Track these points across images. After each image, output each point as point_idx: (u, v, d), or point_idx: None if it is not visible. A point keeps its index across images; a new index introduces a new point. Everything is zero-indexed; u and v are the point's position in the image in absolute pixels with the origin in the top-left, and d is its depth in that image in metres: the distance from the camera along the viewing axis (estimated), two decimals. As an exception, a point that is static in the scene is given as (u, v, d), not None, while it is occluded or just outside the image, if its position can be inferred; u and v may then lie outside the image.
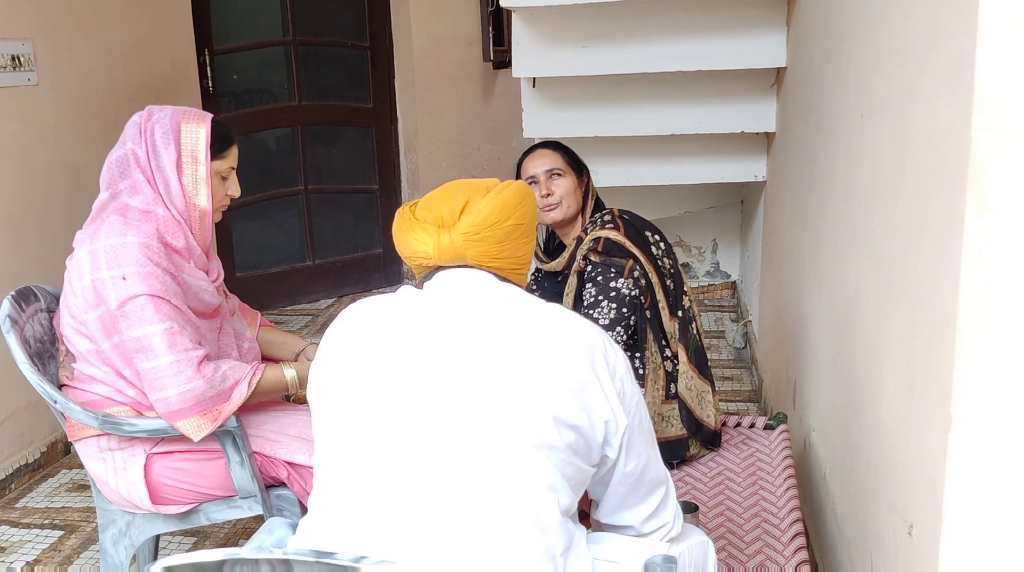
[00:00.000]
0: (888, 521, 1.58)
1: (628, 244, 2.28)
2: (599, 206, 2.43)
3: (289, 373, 2.09)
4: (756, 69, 3.49)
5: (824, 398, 2.32)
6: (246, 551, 1.04)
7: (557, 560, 1.28)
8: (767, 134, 3.74)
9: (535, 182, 2.37)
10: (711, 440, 2.38)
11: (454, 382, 1.32)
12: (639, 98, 3.64)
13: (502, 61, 5.46)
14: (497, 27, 5.59)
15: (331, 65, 5.21)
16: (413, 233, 1.45)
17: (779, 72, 3.50)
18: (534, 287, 2.52)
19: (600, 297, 2.23)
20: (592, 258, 2.28)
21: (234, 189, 2.16)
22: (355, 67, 5.28)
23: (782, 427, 2.53)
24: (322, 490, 1.34)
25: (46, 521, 2.94)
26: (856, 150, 1.97)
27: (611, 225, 2.31)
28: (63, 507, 3.03)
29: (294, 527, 1.42)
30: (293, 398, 2.25)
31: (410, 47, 5.28)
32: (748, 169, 3.85)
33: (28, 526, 2.92)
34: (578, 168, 2.41)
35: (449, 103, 5.49)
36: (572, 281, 2.35)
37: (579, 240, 2.36)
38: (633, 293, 2.23)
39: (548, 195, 2.36)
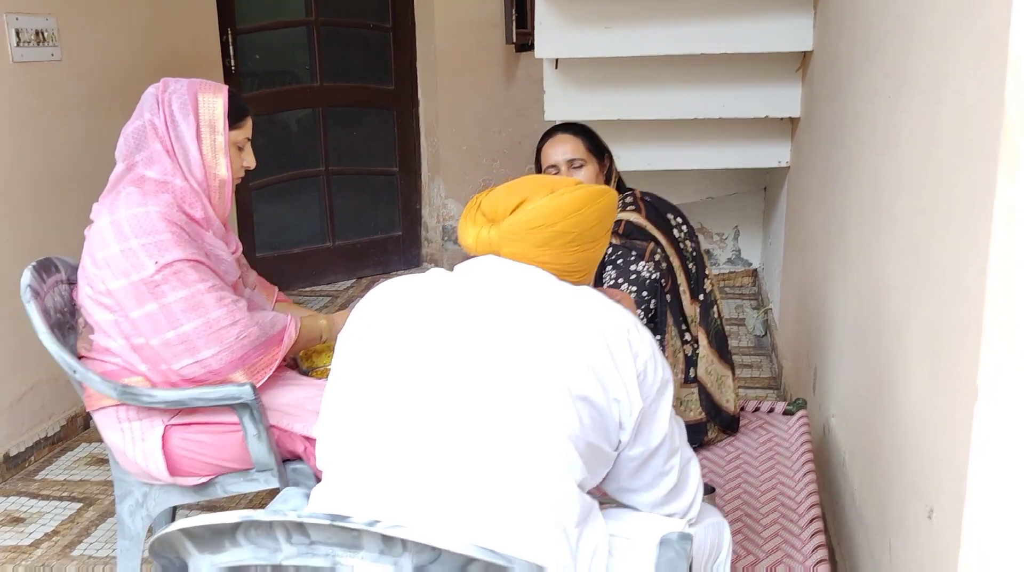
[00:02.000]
0: (909, 505, 1.56)
1: (649, 226, 2.25)
2: (621, 188, 2.40)
3: (322, 321, 2.19)
4: (781, 53, 3.45)
5: (845, 383, 2.30)
6: (260, 514, 1.04)
7: (570, 532, 1.27)
8: (791, 119, 3.70)
9: (555, 171, 2.31)
10: (730, 424, 2.37)
11: (471, 355, 1.31)
12: (662, 81, 3.61)
13: (524, 44, 5.43)
14: (520, 9, 5.55)
15: (353, 46, 5.20)
16: (465, 224, 1.45)
17: (805, 56, 3.46)
18: None
19: (620, 280, 2.21)
20: (613, 241, 2.25)
21: (249, 160, 2.17)
22: (377, 49, 5.27)
23: (801, 413, 2.51)
24: (338, 459, 1.34)
25: (65, 493, 2.97)
26: (883, 133, 1.95)
27: (632, 207, 2.29)
28: (81, 480, 3.05)
29: (309, 497, 1.42)
30: (312, 372, 2.25)
31: (432, 29, 5.27)
32: (772, 155, 3.82)
33: (47, 498, 2.94)
34: (599, 152, 2.36)
35: (471, 86, 5.47)
36: None
37: None
38: (654, 276, 2.21)
39: None
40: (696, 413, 2.30)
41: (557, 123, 2.48)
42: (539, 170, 2.36)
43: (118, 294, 1.95)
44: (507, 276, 1.39)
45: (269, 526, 1.04)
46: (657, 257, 2.22)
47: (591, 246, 1.43)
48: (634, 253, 2.22)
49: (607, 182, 2.36)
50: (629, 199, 2.33)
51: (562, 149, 2.31)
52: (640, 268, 2.21)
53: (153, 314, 1.95)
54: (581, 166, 2.30)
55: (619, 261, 2.23)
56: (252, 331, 1.99)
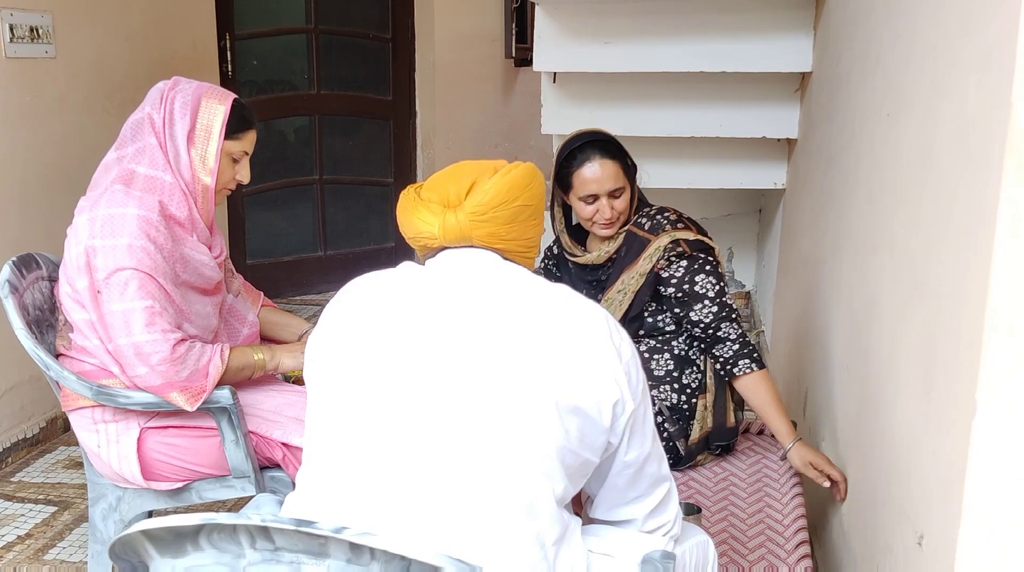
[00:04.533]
0: (897, 531, 1.52)
1: (707, 239, 2.22)
2: (642, 200, 2.30)
3: (257, 356, 2.06)
4: (780, 73, 3.43)
5: (836, 407, 2.26)
6: (224, 517, 1.00)
7: (547, 548, 1.23)
8: (788, 141, 3.68)
9: (593, 201, 2.16)
10: (731, 435, 2.34)
11: (452, 361, 1.28)
12: (659, 98, 3.59)
13: (524, 59, 5.43)
14: (520, 24, 5.56)
15: (352, 56, 5.18)
16: (418, 213, 1.41)
17: (804, 77, 3.45)
18: (557, 274, 2.42)
19: (719, 283, 2.18)
20: (673, 259, 2.17)
21: (244, 174, 2.10)
22: (376, 59, 5.26)
23: (791, 435, 2.47)
24: (311, 466, 1.30)
25: (40, 496, 2.91)
26: (880, 150, 1.92)
27: (681, 225, 2.22)
28: (58, 483, 3.00)
29: (282, 504, 1.38)
30: (293, 379, 2.21)
31: (432, 41, 5.26)
32: (768, 176, 3.79)
33: (23, 500, 2.89)
34: (633, 171, 2.23)
35: (468, 99, 5.46)
36: (630, 280, 2.21)
37: (635, 238, 2.21)
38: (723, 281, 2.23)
39: (608, 217, 2.16)
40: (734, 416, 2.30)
41: (582, 131, 2.25)
42: (565, 192, 2.21)
43: (82, 294, 1.92)
44: (482, 273, 1.36)
45: (232, 530, 1.00)
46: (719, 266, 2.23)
47: (541, 219, 1.46)
48: (712, 260, 2.20)
49: (632, 199, 2.24)
50: (673, 217, 2.22)
51: (605, 177, 2.14)
52: (720, 270, 2.22)
53: (99, 320, 1.91)
54: (621, 194, 2.18)
55: (708, 268, 2.18)
56: (165, 370, 1.88)
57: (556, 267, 2.44)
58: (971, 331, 1.08)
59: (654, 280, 2.21)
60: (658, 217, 2.23)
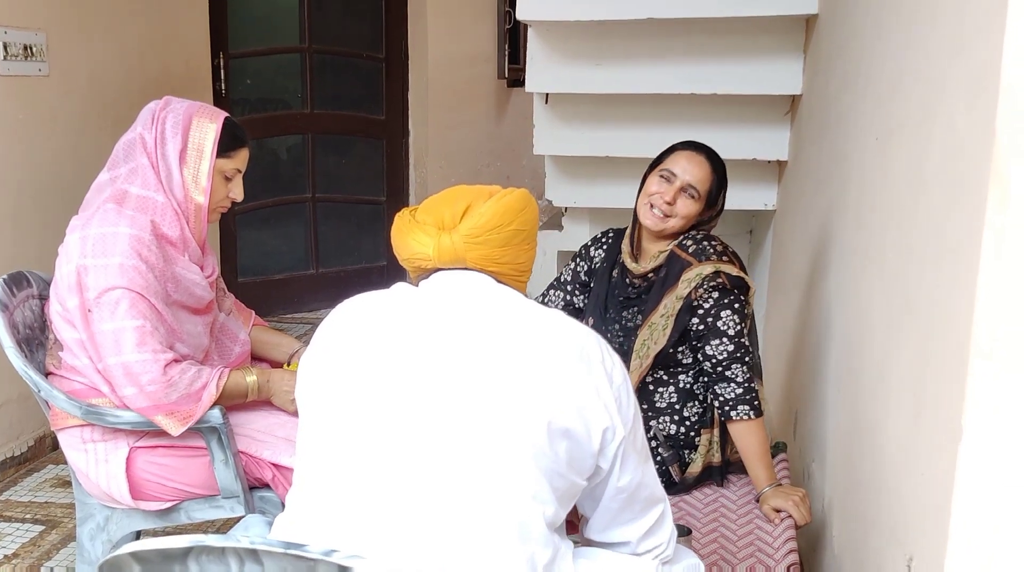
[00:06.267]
0: (888, 553, 1.52)
1: (747, 278, 2.19)
2: (709, 239, 2.26)
3: (250, 378, 2.04)
4: (771, 96, 3.46)
5: (826, 428, 2.26)
6: (213, 539, 0.99)
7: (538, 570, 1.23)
8: (779, 163, 3.70)
9: (668, 178, 2.18)
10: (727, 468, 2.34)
11: (444, 383, 1.28)
12: (651, 119, 3.61)
13: (516, 80, 5.46)
14: (513, 45, 5.59)
15: (345, 75, 5.20)
16: (413, 234, 1.42)
17: (794, 100, 3.47)
18: (584, 278, 2.39)
19: (741, 323, 2.16)
20: (713, 294, 2.14)
21: (237, 192, 2.10)
22: (369, 78, 5.28)
23: (781, 456, 2.47)
24: (301, 488, 1.30)
25: (28, 515, 2.89)
26: (870, 172, 1.93)
27: (726, 258, 2.19)
28: (46, 502, 2.98)
29: (272, 525, 1.37)
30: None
31: (425, 61, 5.28)
32: (758, 197, 3.80)
33: (9, 519, 2.86)
34: (714, 202, 2.24)
35: (461, 119, 5.48)
36: (672, 304, 2.18)
37: (677, 259, 2.19)
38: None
39: (669, 203, 2.17)
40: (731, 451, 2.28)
41: (693, 142, 2.31)
42: (651, 170, 2.25)
43: (73, 313, 1.91)
44: (476, 296, 1.37)
45: (221, 552, 1.00)
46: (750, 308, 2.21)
47: (534, 244, 1.47)
48: (743, 299, 2.17)
49: (695, 227, 2.23)
50: (720, 247, 2.20)
51: (693, 169, 2.18)
52: (747, 312, 2.20)
53: (89, 339, 1.90)
54: (694, 198, 2.18)
55: (736, 305, 2.15)
56: (155, 390, 1.87)
57: (588, 275, 2.40)
58: (958, 354, 1.08)
59: (688, 307, 2.17)
60: (704, 243, 2.20)
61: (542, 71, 3.55)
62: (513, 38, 5.59)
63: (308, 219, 5.10)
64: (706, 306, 2.16)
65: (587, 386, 1.28)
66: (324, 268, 5.16)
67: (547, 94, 3.66)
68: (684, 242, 2.22)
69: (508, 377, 1.27)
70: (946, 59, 1.36)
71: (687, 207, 2.19)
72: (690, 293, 2.16)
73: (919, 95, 1.55)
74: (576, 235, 3.83)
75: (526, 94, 3.72)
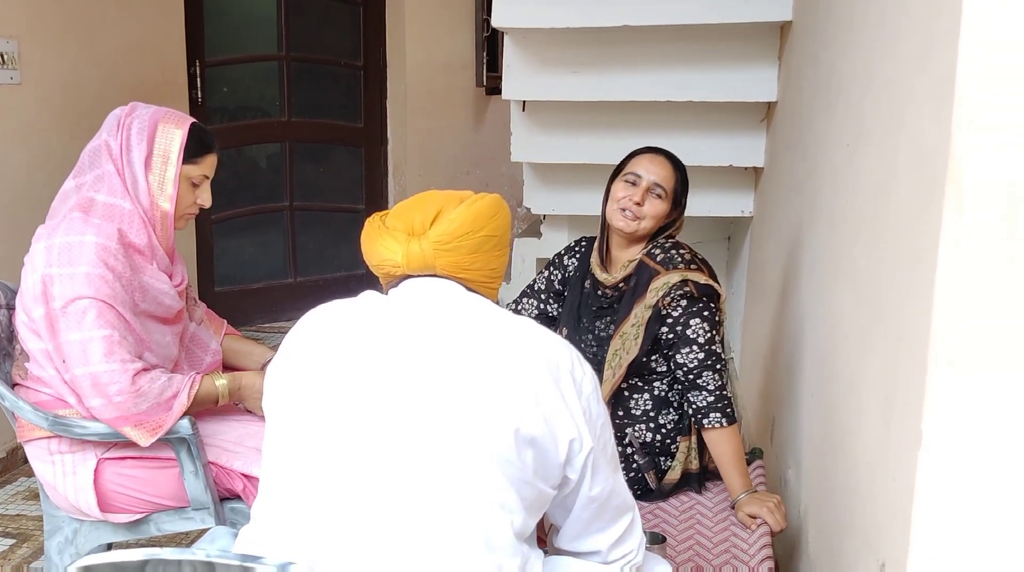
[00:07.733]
0: (861, 559, 1.52)
1: (716, 286, 2.20)
2: (676, 245, 2.28)
3: (220, 382, 2.02)
4: (746, 103, 3.46)
5: (802, 434, 2.26)
6: (168, 552, 0.98)
7: (506, 581, 1.22)
8: (755, 169, 3.71)
9: (633, 182, 2.21)
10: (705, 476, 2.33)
11: (411, 392, 1.27)
12: (628, 127, 3.61)
13: (494, 87, 5.46)
14: (491, 53, 5.59)
15: (324, 83, 5.18)
16: (382, 240, 1.41)
17: (769, 107, 3.48)
18: (558, 287, 2.39)
19: (711, 331, 2.16)
20: (682, 303, 2.15)
21: (205, 198, 2.08)
22: (348, 86, 5.26)
23: (757, 462, 2.47)
24: (266, 498, 1.28)
25: (-1, 528, 2.86)
26: (841, 179, 1.94)
27: (694, 266, 2.20)
28: (18, 514, 2.94)
29: (237, 537, 1.35)
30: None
31: (404, 69, 5.27)
32: (735, 204, 3.81)
33: (-21, 533, 2.83)
34: (678, 202, 2.26)
35: (440, 127, 5.47)
36: (641, 313, 2.19)
37: (645, 268, 2.21)
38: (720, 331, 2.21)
39: (638, 204, 2.19)
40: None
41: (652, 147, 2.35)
42: (613, 178, 2.27)
43: (39, 323, 1.89)
44: (444, 303, 1.35)
45: (177, 565, 0.98)
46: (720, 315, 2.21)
47: (506, 250, 1.46)
48: (713, 307, 2.18)
49: (662, 231, 2.25)
50: (687, 255, 2.21)
51: (657, 170, 2.22)
52: (718, 319, 2.20)
53: (56, 350, 1.88)
54: (661, 197, 2.21)
55: (706, 314, 2.16)
56: (124, 401, 1.85)
57: (562, 284, 2.40)
58: (920, 361, 1.08)
59: (657, 316, 2.18)
60: (672, 251, 2.21)
61: (519, 78, 3.55)
62: (491, 46, 5.59)
63: (286, 227, 5.07)
64: (675, 315, 2.17)
65: (554, 395, 1.27)
66: (302, 277, 5.13)
67: (524, 101, 3.66)
68: (652, 251, 2.23)
69: (475, 386, 1.26)
70: (912, 69, 1.37)
71: (655, 207, 2.22)
72: (658, 302, 2.18)
73: (888, 103, 1.55)
74: (555, 242, 3.83)
75: (504, 101, 3.72)
